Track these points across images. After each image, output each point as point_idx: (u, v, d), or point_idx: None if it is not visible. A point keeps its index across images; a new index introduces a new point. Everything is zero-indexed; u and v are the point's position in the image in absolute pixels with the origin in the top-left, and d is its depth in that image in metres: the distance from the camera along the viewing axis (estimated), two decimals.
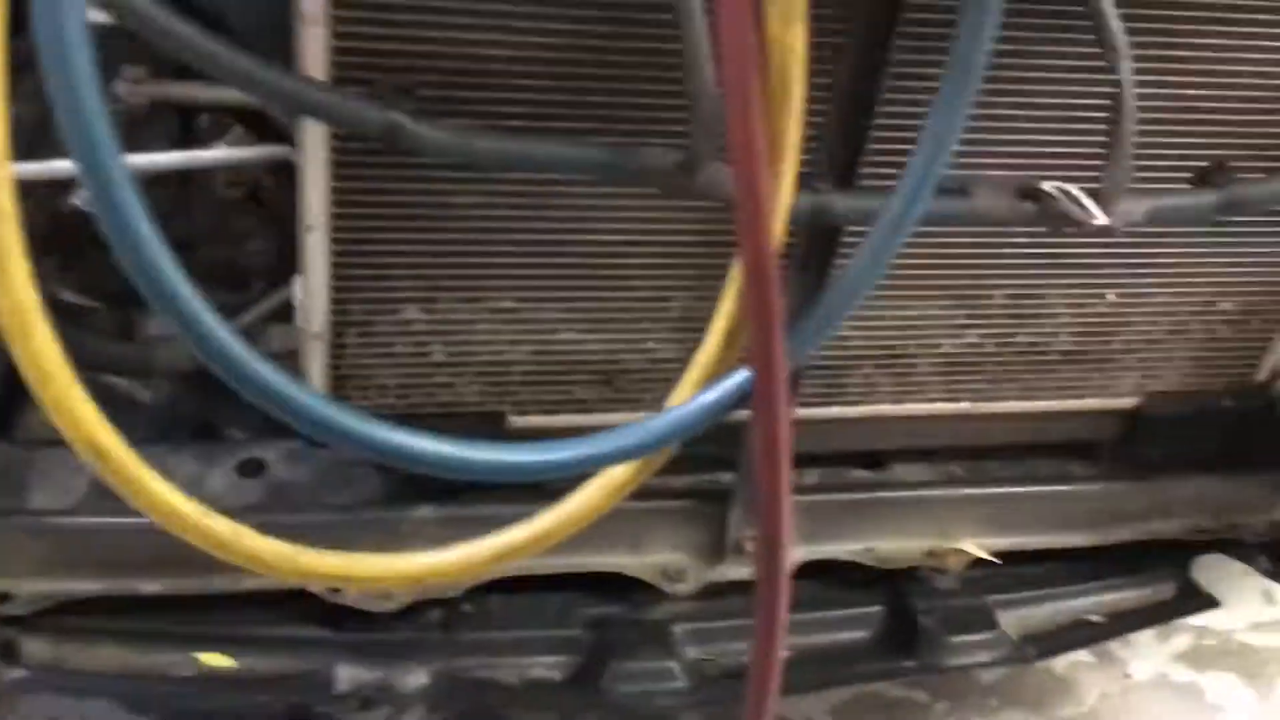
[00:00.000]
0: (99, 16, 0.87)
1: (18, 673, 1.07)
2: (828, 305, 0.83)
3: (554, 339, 1.11)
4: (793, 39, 0.68)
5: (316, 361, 1.07)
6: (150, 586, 1.12)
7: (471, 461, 0.73)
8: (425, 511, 1.18)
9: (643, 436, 0.78)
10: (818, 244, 1.05)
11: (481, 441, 0.75)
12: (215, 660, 1.13)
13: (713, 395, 0.80)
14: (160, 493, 0.68)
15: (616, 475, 0.84)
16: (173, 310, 0.62)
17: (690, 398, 0.81)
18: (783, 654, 1.23)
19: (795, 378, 1.17)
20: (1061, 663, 1.80)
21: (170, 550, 1.12)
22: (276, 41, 0.90)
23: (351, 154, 0.95)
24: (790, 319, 0.85)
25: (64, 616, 1.10)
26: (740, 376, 0.79)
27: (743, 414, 1.19)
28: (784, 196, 0.74)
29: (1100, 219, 0.93)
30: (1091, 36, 0.90)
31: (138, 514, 1.13)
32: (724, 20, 0.62)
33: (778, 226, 0.73)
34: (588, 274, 1.07)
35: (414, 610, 1.18)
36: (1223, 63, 1.06)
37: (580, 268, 1.07)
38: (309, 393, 0.69)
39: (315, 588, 1.14)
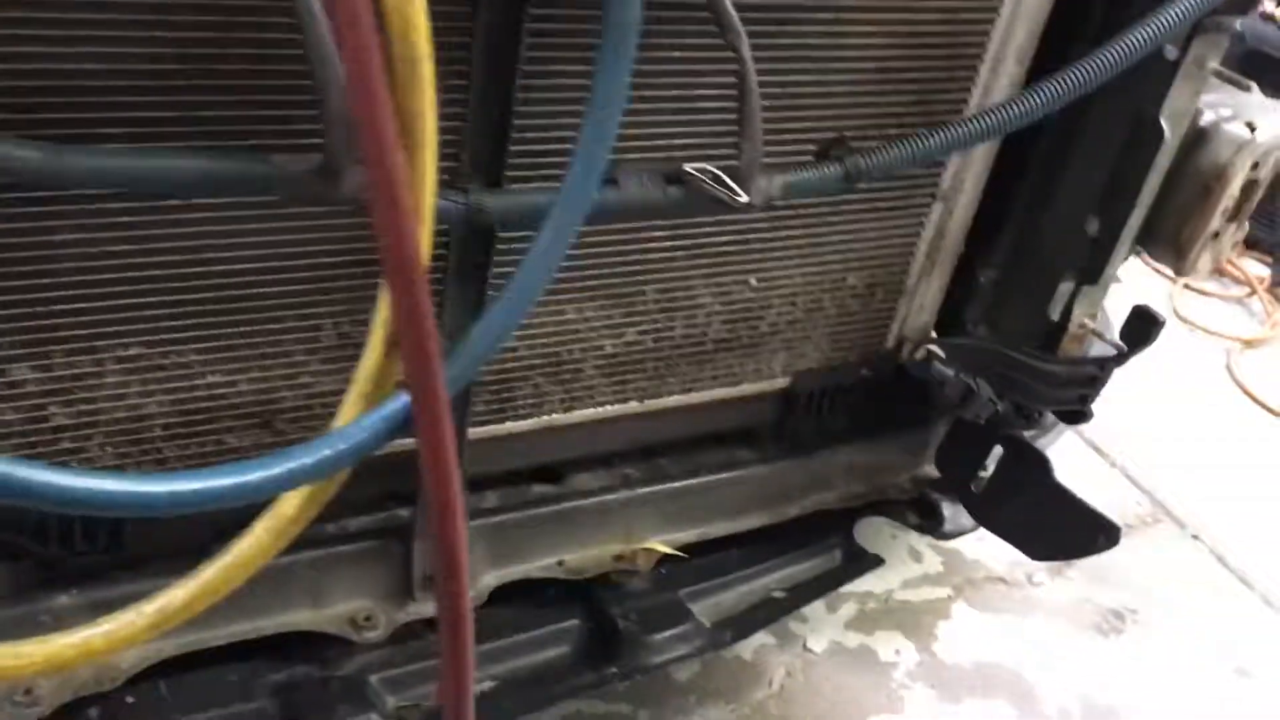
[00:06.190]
0: None
1: None
2: (505, 310, 0.78)
3: (196, 384, 1.01)
4: (412, 10, 0.63)
5: None
6: None
7: (112, 494, 0.63)
8: (64, 599, 1.04)
9: (307, 459, 0.70)
10: (473, 252, 1.03)
11: (128, 474, 0.65)
12: None
13: (381, 414, 0.73)
14: None
15: (284, 512, 0.75)
16: None
17: (356, 418, 0.74)
18: (477, 682, 1.19)
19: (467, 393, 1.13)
20: (748, 649, 1.86)
21: None
22: None
23: None
24: (461, 332, 0.81)
25: None
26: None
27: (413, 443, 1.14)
28: (428, 184, 0.69)
29: (743, 197, 0.96)
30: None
31: None
32: None
33: (424, 218, 0.69)
34: (223, 308, 0.98)
35: (68, 712, 1.03)
36: (827, 48, 1.14)
37: (213, 302, 0.98)
38: None
39: None
